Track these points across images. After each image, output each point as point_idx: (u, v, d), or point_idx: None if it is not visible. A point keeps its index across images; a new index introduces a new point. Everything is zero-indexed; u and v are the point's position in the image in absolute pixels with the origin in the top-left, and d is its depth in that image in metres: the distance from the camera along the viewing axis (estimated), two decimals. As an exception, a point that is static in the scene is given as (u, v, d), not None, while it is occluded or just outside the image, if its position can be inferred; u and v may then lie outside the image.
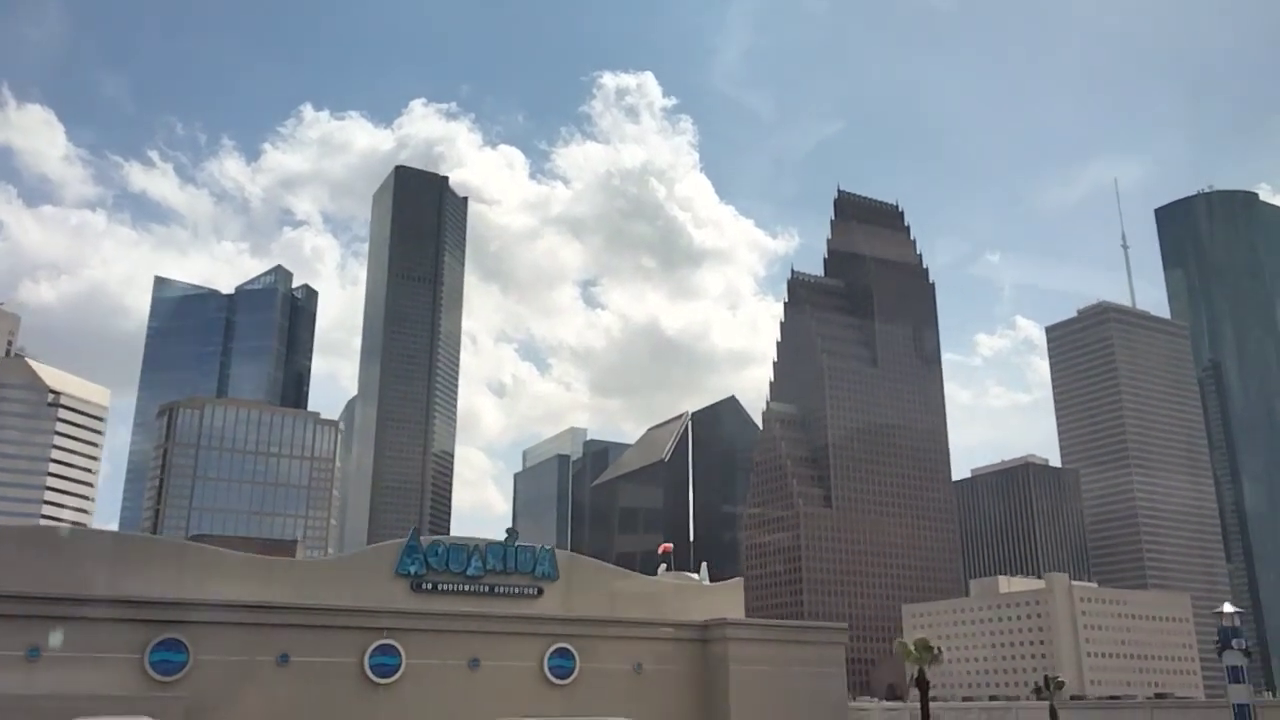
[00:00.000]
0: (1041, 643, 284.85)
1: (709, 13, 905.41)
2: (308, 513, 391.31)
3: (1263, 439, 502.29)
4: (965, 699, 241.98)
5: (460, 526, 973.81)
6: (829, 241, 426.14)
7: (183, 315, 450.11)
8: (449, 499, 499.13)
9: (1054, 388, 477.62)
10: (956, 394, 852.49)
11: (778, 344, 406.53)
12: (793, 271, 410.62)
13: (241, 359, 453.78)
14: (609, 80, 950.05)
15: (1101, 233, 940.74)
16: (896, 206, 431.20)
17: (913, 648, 64.71)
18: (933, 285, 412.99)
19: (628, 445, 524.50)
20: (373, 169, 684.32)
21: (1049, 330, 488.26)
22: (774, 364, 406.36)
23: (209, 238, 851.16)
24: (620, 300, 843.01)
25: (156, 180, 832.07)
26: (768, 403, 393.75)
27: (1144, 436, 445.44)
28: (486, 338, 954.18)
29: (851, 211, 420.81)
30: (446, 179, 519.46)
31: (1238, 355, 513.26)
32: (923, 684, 64.80)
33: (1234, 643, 71.79)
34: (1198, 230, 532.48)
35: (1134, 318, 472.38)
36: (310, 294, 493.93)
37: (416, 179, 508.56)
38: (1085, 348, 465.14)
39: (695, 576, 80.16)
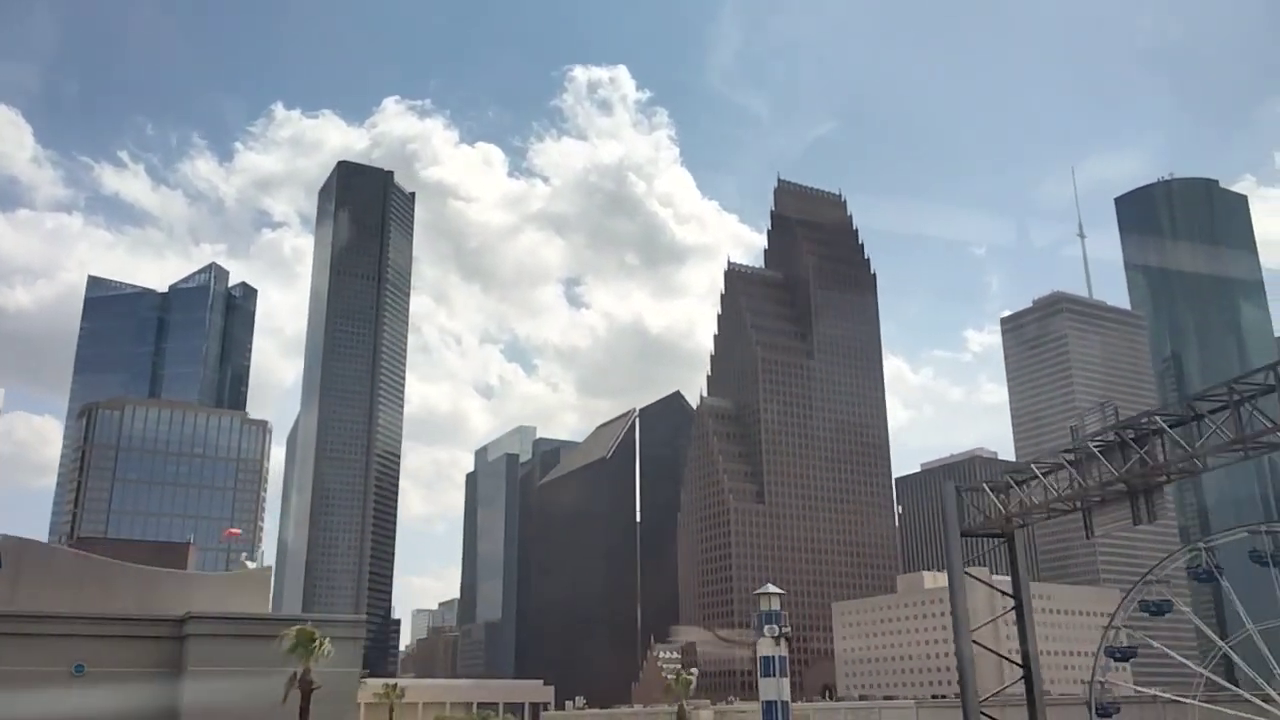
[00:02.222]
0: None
1: (685, 3, 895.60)
2: (234, 515, 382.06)
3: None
4: (862, 697, 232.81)
5: (435, 528, 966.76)
6: (769, 233, 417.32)
7: (115, 315, 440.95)
8: (394, 500, 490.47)
9: (1008, 380, 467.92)
10: (948, 391, 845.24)
11: (714, 337, 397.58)
12: (729, 263, 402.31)
13: (175, 359, 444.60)
14: (580, 73, 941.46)
15: (1089, 224, 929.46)
16: (839, 196, 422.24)
17: (294, 637, 54.94)
18: (874, 276, 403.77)
19: (578, 444, 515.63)
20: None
21: (1003, 321, 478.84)
22: (711, 357, 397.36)
23: (185, 240, 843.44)
24: (604, 299, 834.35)
25: (129, 181, 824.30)
26: (702, 397, 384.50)
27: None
28: (471, 338, 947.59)
29: (791, 202, 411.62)
30: (392, 174, 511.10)
31: (1198, 346, 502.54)
32: (305, 686, 54.87)
33: (767, 629, 61.64)
34: (1157, 219, 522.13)
35: (1088, 308, 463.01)
36: (249, 292, 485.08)
37: (360, 174, 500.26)
38: (1038, 339, 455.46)
39: (252, 564, 70.66)
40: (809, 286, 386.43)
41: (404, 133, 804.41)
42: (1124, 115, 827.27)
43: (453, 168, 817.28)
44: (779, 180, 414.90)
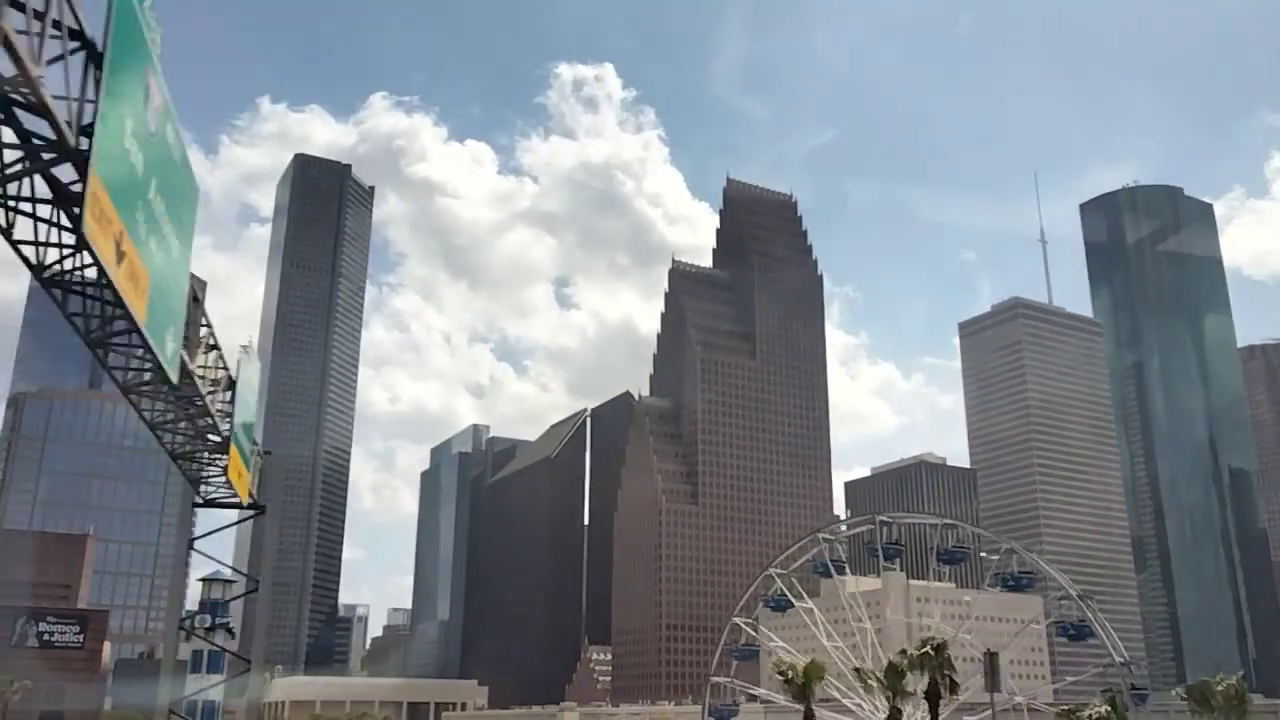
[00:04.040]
0: (881, 645, 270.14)
1: (674, 2, 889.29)
2: (163, 509, 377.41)
3: (1185, 442, 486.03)
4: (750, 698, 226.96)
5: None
6: (717, 231, 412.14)
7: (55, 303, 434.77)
8: (344, 497, 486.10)
9: (964, 385, 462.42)
10: (938, 397, 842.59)
11: (657, 336, 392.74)
12: (673, 260, 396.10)
13: (119, 350, 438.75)
14: (565, 70, 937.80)
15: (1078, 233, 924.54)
16: (790, 196, 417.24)
17: None
18: (820, 277, 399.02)
19: (532, 443, 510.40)
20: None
21: (961, 326, 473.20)
22: (654, 356, 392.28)
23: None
24: (594, 298, 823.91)
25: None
26: (640, 397, 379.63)
27: (1049, 438, 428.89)
28: (461, 336, 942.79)
29: (740, 201, 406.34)
30: (349, 167, 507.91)
31: (1159, 356, 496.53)
32: None
33: (198, 619, 54.07)
34: (1121, 226, 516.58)
35: (1045, 314, 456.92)
36: (198, 283, 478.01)
37: (317, 167, 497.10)
38: (994, 344, 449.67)
39: None
40: (753, 286, 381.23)
41: (391, 128, 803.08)
42: (1119, 127, 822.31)
43: (441, 164, 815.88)
44: (728, 179, 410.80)
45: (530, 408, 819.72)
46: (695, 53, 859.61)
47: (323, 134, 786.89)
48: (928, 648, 69.69)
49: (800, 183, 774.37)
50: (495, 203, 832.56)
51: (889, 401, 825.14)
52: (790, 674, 65.16)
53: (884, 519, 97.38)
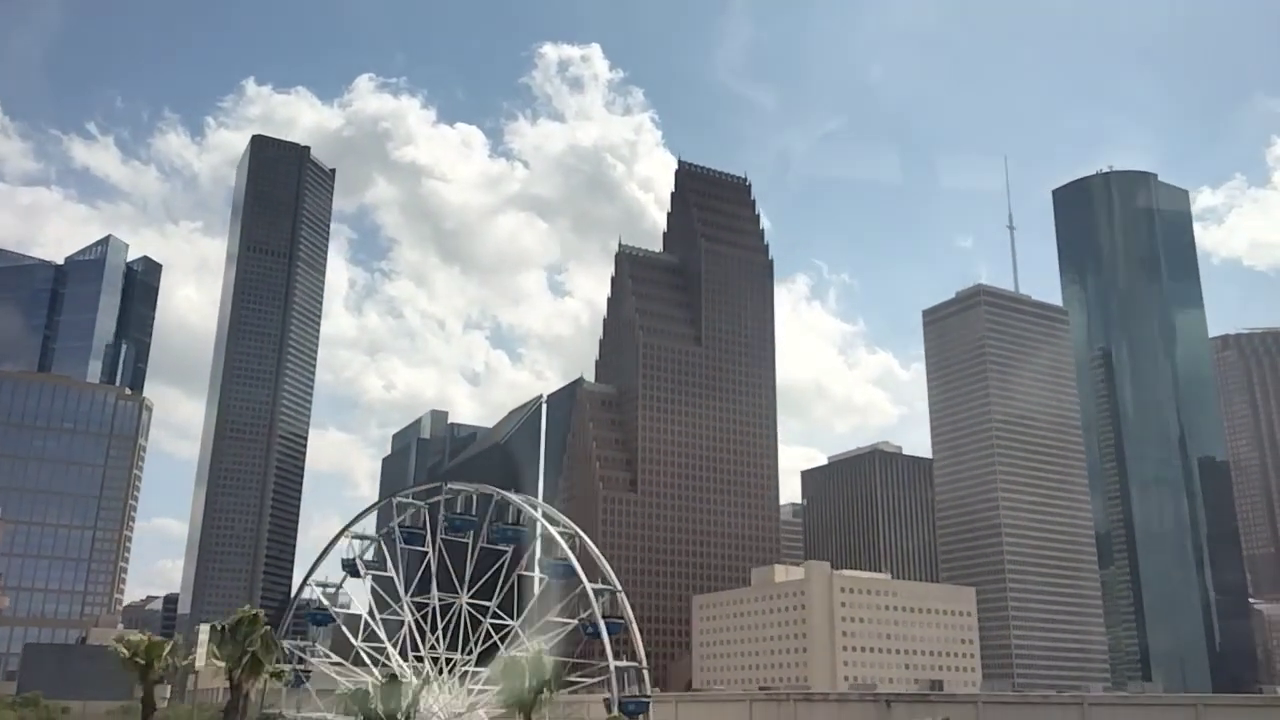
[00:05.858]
0: (803, 635, 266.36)
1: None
2: (102, 493, 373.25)
3: (1154, 433, 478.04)
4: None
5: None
6: (668, 215, 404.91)
7: (9, 287, 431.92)
8: (299, 483, 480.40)
9: (927, 373, 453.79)
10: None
11: (604, 320, 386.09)
12: (620, 244, 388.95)
13: (68, 334, 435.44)
14: (550, 51, 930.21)
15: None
16: (744, 180, 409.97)
17: None
18: (771, 262, 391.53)
19: (489, 429, 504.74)
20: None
21: (925, 313, 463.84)
22: (600, 342, 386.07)
23: (160, 215, 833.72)
24: (587, 284, 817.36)
25: (98, 155, 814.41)
26: (584, 383, 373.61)
27: (1011, 427, 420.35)
28: (455, 323, 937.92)
29: (691, 184, 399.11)
30: (308, 149, 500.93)
31: (1128, 345, 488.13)
32: None
33: None
34: (1093, 212, 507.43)
35: (1010, 302, 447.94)
36: (152, 267, 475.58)
37: (274, 148, 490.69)
38: (957, 332, 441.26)
39: None
40: (701, 271, 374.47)
41: (378, 110, 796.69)
42: (1120, 113, 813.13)
43: (429, 147, 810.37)
44: (680, 161, 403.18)
45: (526, 396, 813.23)
46: (686, 34, 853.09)
47: (308, 116, 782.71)
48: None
49: (795, 169, 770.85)
50: (485, 187, 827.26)
51: (889, 391, 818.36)
52: (129, 652, 60.20)
53: (453, 486, 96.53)
